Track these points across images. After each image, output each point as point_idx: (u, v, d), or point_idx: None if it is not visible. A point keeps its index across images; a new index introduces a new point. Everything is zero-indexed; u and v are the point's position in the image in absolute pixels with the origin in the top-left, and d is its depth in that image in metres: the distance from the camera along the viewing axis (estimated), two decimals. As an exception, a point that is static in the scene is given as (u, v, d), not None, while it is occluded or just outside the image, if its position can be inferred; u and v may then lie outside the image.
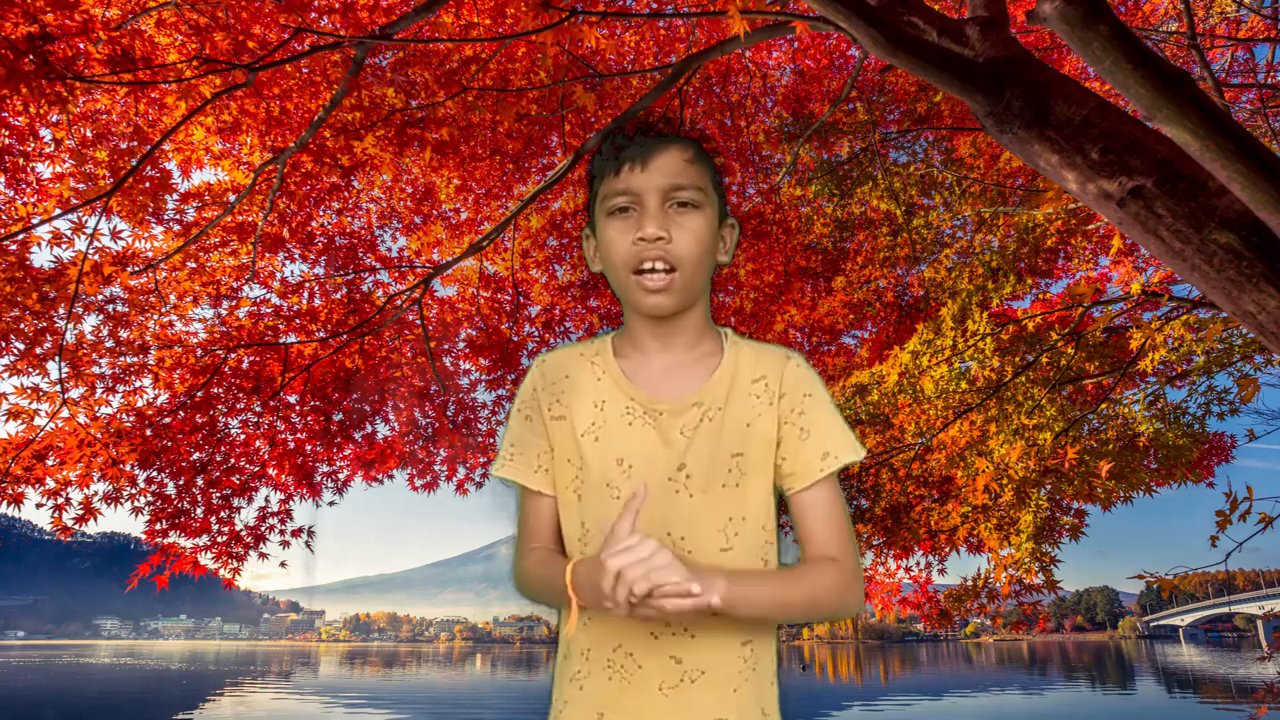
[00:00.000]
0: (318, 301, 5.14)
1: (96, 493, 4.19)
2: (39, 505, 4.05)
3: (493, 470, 1.03)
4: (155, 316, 4.55)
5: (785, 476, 0.99)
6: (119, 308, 4.33)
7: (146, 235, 4.31)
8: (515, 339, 5.65)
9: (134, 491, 4.39)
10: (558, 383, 1.02)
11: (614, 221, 0.96)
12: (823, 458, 0.97)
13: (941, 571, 5.39)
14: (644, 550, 0.78)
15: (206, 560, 4.67)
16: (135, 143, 3.70)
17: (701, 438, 0.95)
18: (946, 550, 5.13)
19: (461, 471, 5.53)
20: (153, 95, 3.99)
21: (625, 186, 0.94)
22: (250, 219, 4.63)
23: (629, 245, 0.94)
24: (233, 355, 4.66)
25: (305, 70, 4.11)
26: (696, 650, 0.91)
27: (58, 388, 3.92)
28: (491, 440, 5.58)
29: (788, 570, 0.94)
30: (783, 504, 1.01)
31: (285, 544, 4.86)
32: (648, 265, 0.94)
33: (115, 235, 4.70)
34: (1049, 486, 4.45)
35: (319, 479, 5.13)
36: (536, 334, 5.90)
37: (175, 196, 4.26)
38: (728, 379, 0.99)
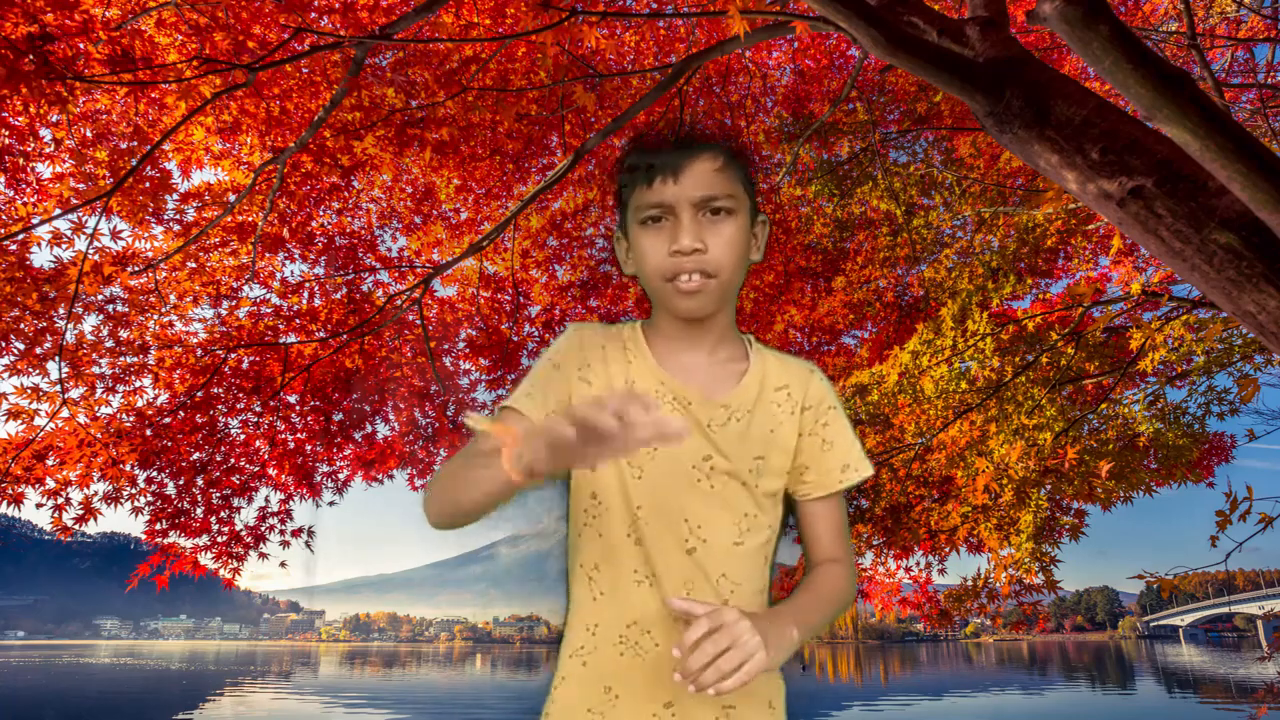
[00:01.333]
0: (318, 301, 5.15)
1: (96, 493, 4.19)
2: (39, 505, 4.05)
3: (505, 402, 0.99)
4: (155, 316, 4.55)
5: (803, 484, 1.01)
6: (119, 308, 4.33)
7: (146, 235, 4.31)
8: (515, 339, 5.65)
9: (134, 491, 4.39)
10: (593, 350, 1.02)
11: (647, 231, 0.96)
12: (842, 470, 1.01)
13: (941, 571, 5.39)
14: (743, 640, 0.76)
15: (206, 560, 4.67)
16: (135, 143, 3.70)
17: (729, 434, 0.97)
18: (946, 550, 5.13)
19: (461, 471, 5.52)
20: (153, 95, 3.99)
21: (658, 199, 0.94)
22: (250, 219, 4.63)
23: (663, 256, 0.94)
24: (233, 355, 4.66)
25: (305, 70, 4.11)
26: None
27: (58, 388, 3.92)
28: (491, 440, 5.58)
29: (818, 587, 0.96)
30: (788, 507, 1.03)
31: (285, 544, 4.86)
32: (684, 277, 0.94)
33: (115, 235, 4.70)
34: (1049, 486, 4.45)
35: (319, 479, 5.13)
36: (536, 334, 5.91)
37: (175, 196, 4.26)
38: (755, 386, 1.00)
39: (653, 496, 0.94)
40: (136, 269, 4.19)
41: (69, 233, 3.73)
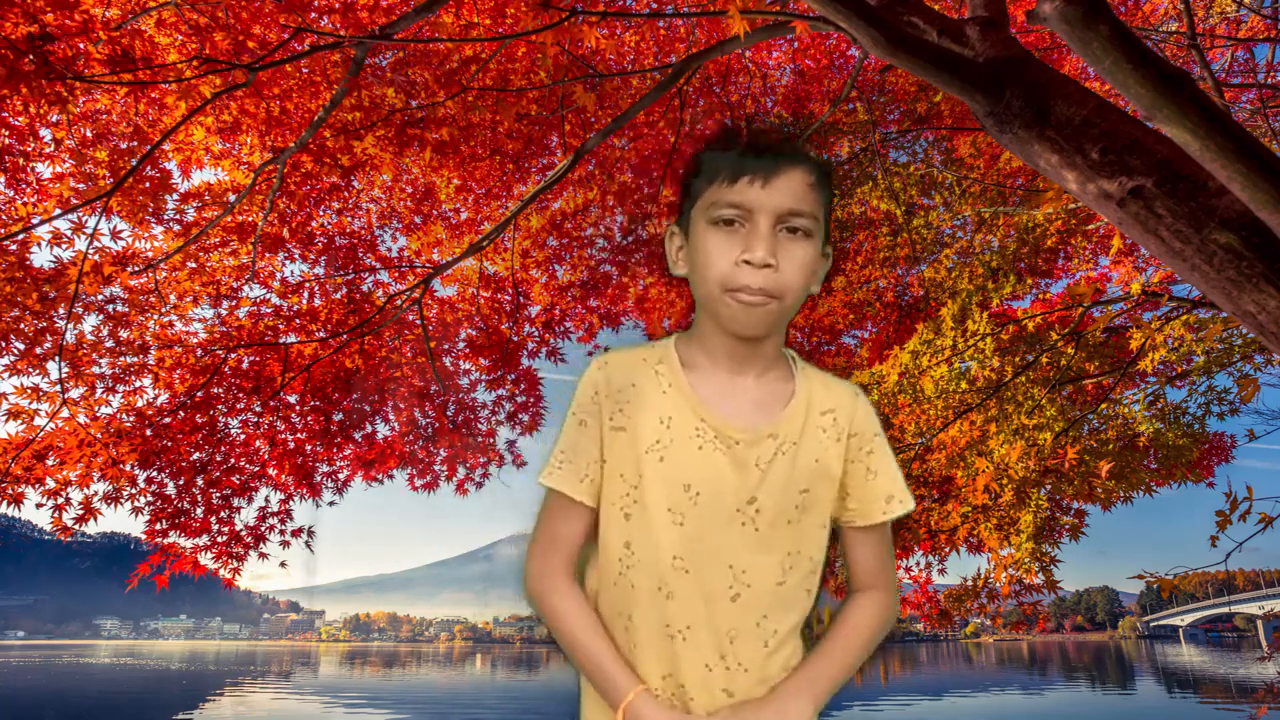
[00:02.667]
0: (318, 301, 5.14)
1: (96, 493, 4.19)
2: (39, 505, 4.05)
3: (540, 478, 0.96)
4: (155, 316, 4.55)
5: (847, 512, 0.99)
6: (119, 308, 4.33)
7: (146, 235, 4.31)
8: (515, 339, 5.65)
9: (134, 491, 4.39)
10: (623, 390, 0.95)
11: (716, 233, 0.89)
12: (887, 501, 0.98)
13: (941, 571, 5.39)
14: None
15: (206, 560, 4.67)
16: (135, 143, 3.70)
17: (776, 472, 0.92)
18: (946, 550, 5.13)
19: (461, 471, 5.53)
20: (153, 95, 3.99)
21: (739, 200, 0.87)
22: (250, 219, 4.63)
23: (730, 264, 0.88)
24: (233, 355, 4.66)
25: (305, 70, 4.11)
26: (748, 683, 0.91)
27: (58, 388, 3.92)
28: (491, 440, 5.58)
29: (842, 633, 0.96)
30: (833, 535, 1.01)
31: (285, 544, 4.86)
32: (748, 291, 0.88)
33: (115, 235, 4.69)
34: (1049, 486, 4.45)
35: (319, 479, 5.13)
36: (536, 334, 5.90)
37: (175, 196, 4.26)
38: (802, 411, 0.95)
39: (694, 544, 0.90)
40: (136, 269, 4.19)
41: (69, 233, 3.73)
